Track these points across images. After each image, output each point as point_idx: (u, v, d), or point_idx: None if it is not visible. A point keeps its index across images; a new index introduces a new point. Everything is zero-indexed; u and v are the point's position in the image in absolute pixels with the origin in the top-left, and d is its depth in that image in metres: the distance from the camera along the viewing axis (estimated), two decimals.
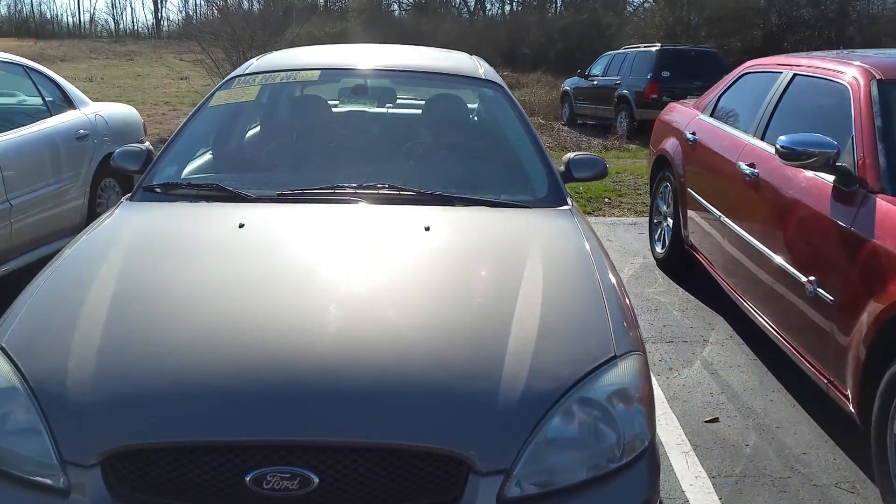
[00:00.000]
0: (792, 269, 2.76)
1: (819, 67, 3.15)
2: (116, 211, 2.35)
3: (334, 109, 3.10)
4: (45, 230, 4.05)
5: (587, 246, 2.08)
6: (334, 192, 2.32)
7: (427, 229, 2.07)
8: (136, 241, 2.10)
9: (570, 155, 2.68)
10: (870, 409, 2.28)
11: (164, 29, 39.69)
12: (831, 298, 2.49)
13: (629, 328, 1.70)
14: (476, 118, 3.12)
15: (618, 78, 12.66)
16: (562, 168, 2.61)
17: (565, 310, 1.75)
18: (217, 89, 2.91)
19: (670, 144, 4.54)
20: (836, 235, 2.52)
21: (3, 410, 1.50)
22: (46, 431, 1.43)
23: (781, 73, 3.49)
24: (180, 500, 1.39)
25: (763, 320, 3.11)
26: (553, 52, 28.15)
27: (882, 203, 2.37)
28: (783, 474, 2.49)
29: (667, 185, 4.61)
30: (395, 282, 1.84)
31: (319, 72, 2.93)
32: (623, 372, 1.55)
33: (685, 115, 4.56)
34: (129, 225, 2.24)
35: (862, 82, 2.76)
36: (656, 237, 4.83)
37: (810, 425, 2.81)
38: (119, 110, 5.28)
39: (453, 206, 2.29)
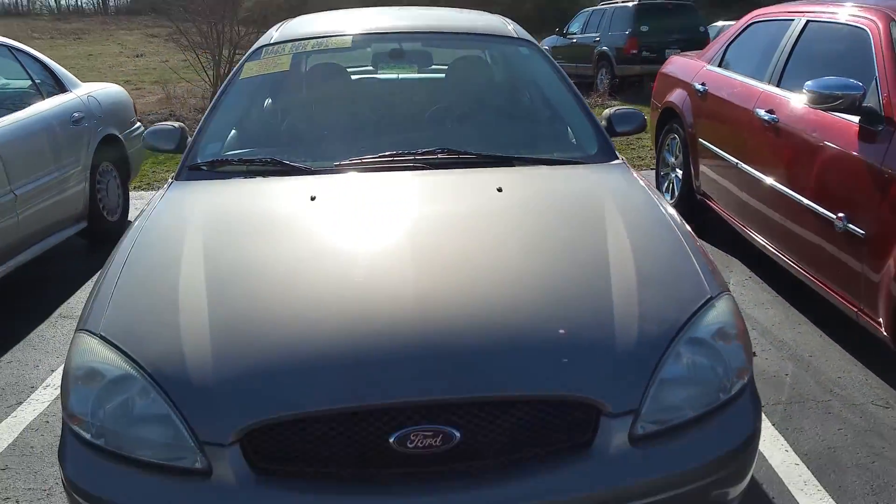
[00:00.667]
0: (819, 208, 2.92)
1: (834, 13, 3.28)
2: (170, 191, 2.34)
3: (375, 75, 3.12)
4: (50, 220, 3.93)
5: (654, 197, 2.19)
6: (393, 160, 2.35)
7: (499, 190, 2.15)
8: (209, 220, 2.09)
9: (611, 110, 2.78)
10: None
11: (111, 4, 38.22)
12: (862, 232, 2.65)
13: (713, 271, 1.82)
14: (515, 78, 3.18)
15: (597, 35, 12.70)
16: (604, 123, 2.70)
17: (656, 258, 1.87)
18: (245, 60, 2.90)
19: (677, 96, 4.65)
20: (866, 173, 2.67)
21: (121, 398, 1.51)
22: (176, 415, 1.45)
23: (793, 20, 3.61)
24: (325, 466, 1.44)
25: (786, 259, 3.28)
26: (524, 10, 27.90)
27: None
28: (824, 398, 2.68)
29: (674, 137, 4.74)
30: (486, 243, 1.90)
31: (351, 37, 2.94)
32: (720, 312, 1.67)
33: (691, 67, 4.67)
34: (194, 204, 2.22)
35: (881, 25, 2.90)
36: (664, 189, 4.97)
37: (840, 352, 3.01)
38: (110, 90, 5.08)
39: (513, 166, 2.38)
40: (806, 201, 3.03)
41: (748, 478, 1.65)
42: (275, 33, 3.09)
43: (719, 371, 1.60)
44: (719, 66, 4.31)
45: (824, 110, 2.91)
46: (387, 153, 2.38)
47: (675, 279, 1.79)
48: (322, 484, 1.43)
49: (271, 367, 1.49)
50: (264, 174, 2.37)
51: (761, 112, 3.48)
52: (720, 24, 13.96)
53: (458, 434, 1.43)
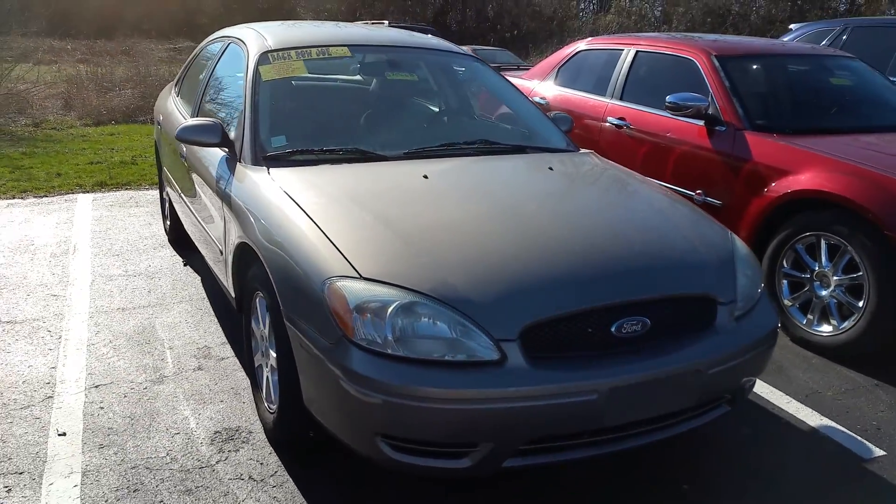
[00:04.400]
0: (679, 188, 4.01)
1: (662, 46, 4.46)
2: (280, 173, 2.61)
3: (388, 78, 3.42)
4: None
5: (635, 174, 2.97)
6: (447, 149, 2.87)
7: (551, 169, 2.76)
8: (357, 192, 2.46)
9: (552, 113, 3.51)
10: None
11: None
12: (719, 202, 3.77)
13: (713, 219, 2.66)
14: (482, 85, 3.72)
15: None
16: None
17: (681, 207, 2.68)
18: (258, 65, 3.11)
19: None
20: (718, 160, 3.80)
21: (411, 318, 1.92)
22: (471, 322, 1.90)
23: (623, 49, 4.74)
24: (570, 350, 1.98)
25: None
26: (235, 21, 27.34)
27: (750, 135, 3.70)
28: None
29: None
30: (583, 199, 2.64)
31: (347, 48, 3.27)
32: (739, 243, 2.52)
33: (524, 88, 5.63)
34: (328, 182, 2.54)
35: (704, 58, 4.10)
36: None
37: None
38: None
39: (526, 153, 3.00)
40: (665, 183, 4.10)
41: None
42: (258, 39, 3.33)
43: (756, 277, 2.42)
44: (555, 83, 5.33)
45: (679, 117, 4.01)
46: (441, 144, 2.93)
47: (702, 222, 2.59)
48: (571, 363, 1.96)
49: (530, 283, 2.01)
50: (349, 161, 2.74)
51: (613, 119, 4.52)
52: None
53: (648, 321, 2.06)
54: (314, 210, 2.33)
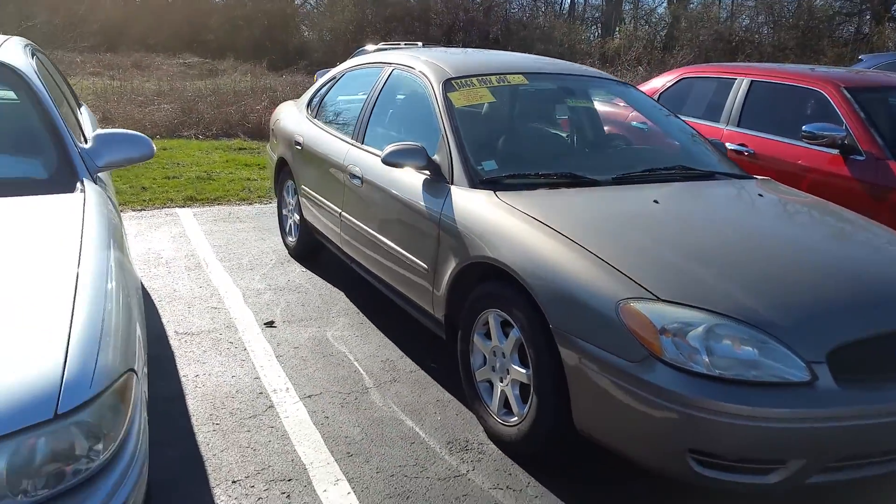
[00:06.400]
0: None
1: (780, 76, 4.68)
2: (512, 198, 2.74)
3: (570, 105, 3.58)
4: None
5: (829, 203, 3.18)
6: (649, 174, 3.02)
7: (761, 195, 2.92)
8: (601, 218, 2.60)
9: (709, 139, 3.70)
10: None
11: None
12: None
13: None
14: (647, 112, 3.91)
15: None
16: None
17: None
18: (445, 92, 3.24)
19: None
20: (859, 188, 3.99)
21: (719, 340, 2.03)
22: (780, 344, 2.01)
23: (736, 79, 4.96)
24: (876, 372, 2.09)
25: None
26: (241, 38, 27.45)
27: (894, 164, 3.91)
28: None
29: None
30: (815, 230, 2.82)
31: (523, 75, 3.42)
32: None
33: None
34: (561, 207, 2.67)
35: (833, 90, 4.32)
36: None
37: None
38: None
39: (716, 178, 3.20)
40: None
41: None
42: (433, 67, 3.48)
43: None
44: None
45: (812, 145, 4.22)
46: (644, 169, 3.07)
47: None
48: (878, 385, 2.06)
49: (831, 306, 2.14)
50: (560, 186, 2.86)
51: (731, 145, 4.71)
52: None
53: None
54: (572, 233, 2.45)
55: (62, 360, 1.40)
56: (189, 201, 6.39)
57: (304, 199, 4.45)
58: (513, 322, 2.55)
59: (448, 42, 26.02)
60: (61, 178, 2.29)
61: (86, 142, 2.64)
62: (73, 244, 1.84)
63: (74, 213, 2.06)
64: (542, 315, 2.39)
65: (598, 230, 2.51)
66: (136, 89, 13.93)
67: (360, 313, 3.93)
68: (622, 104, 5.64)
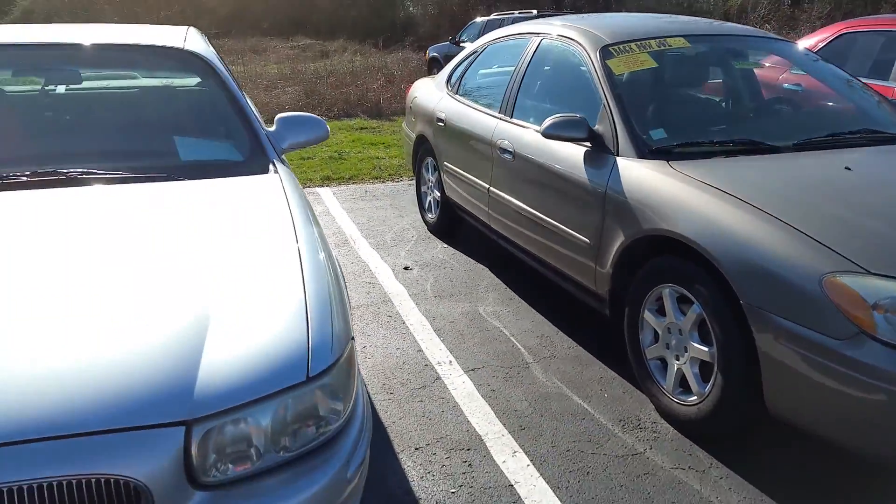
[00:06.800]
0: None
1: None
2: (689, 167, 2.63)
3: (736, 67, 3.44)
4: None
5: None
6: (833, 139, 2.87)
7: (848, 168, 2.69)
8: (792, 187, 2.48)
9: (890, 100, 3.39)
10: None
11: None
12: None
13: None
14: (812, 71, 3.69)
15: None
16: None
17: None
18: (603, 59, 3.15)
19: None
20: None
21: None
22: None
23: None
24: None
25: None
26: (349, 17, 27.92)
27: None
28: None
29: None
30: None
31: (684, 38, 3.26)
32: None
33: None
34: (747, 176, 2.55)
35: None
36: None
37: None
38: None
39: None
40: None
41: None
42: (588, 35, 3.39)
43: None
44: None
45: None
46: (827, 133, 2.96)
47: None
48: None
49: None
50: (738, 153, 2.74)
51: None
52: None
53: None
54: (762, 203, 2.32)
55: (306, 329, 1.49)
56: (326, 181, 6.63)
57: (446, 176, 4.49)
58: (692, 298, 2.46)
59: (558, 9, 25.34)
60: (256, 161, 2.42)
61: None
62: (286, 221, 1.94)
63: (277, 192, 2.17)
64: (729, 290, 2.29)
65: (788, 200, 2.37)
66: (261, 73, 14.59)
67: (508, 289, 3.94)
68: (767, 65, 5.33)
